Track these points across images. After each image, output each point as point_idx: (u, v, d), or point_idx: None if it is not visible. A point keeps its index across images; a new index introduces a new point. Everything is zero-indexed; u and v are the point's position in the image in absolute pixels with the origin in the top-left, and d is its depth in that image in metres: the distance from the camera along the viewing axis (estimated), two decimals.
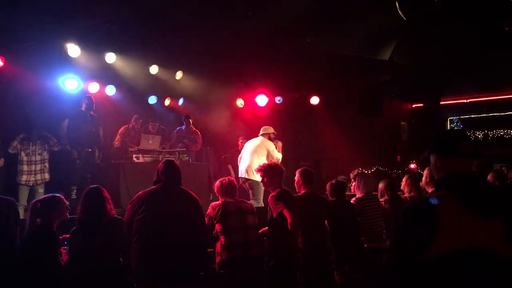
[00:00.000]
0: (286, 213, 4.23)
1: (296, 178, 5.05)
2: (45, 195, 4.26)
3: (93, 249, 3.85)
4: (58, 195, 4.20)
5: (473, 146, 2.05)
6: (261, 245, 4.58)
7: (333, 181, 5.40)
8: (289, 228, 4.20)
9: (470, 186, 1.94)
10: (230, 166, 9.65)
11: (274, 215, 4.35)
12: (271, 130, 8.07)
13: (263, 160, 7.27)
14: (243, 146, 9.57)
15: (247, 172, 7.54)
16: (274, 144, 7.90)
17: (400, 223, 2.01)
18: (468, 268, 1.81)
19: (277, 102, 11.15)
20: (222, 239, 4.36)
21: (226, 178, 4.67)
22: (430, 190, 4.58)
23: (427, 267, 1.84)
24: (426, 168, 4.69)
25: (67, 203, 4.20)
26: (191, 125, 9.39)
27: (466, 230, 1.84)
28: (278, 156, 7.77)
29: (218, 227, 4.38)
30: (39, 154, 7.21)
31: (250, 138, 9.93)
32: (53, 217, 3.99)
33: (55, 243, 3.93)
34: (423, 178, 4.73)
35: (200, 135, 9.42)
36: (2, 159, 7.13)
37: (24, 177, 7.10)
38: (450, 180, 1.98)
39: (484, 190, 1.97)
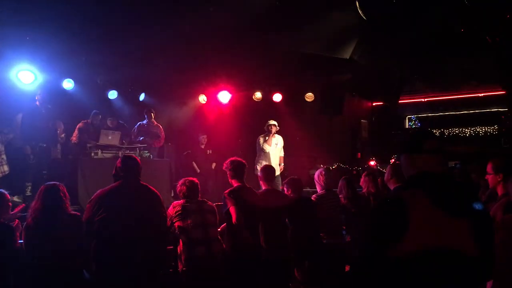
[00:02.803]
0: (232, 211, 4.35)
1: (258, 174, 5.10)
2: None
3: (48, 246, 3.78)
4: (2, 190, 4.08)
5: (438, 144, 2.09)
6: (222, 242, 4.58)
7: (290, 178, 5.44)
8: (234, 224, 4.32)
9: (438, 184, 1.98)
10: (194, 163, 9.59)
11: (224, 212, 4.48)
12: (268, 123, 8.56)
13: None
14: (205, 142, 9.61)
15: None
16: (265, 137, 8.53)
17: (371, 219, 2.03)
18: (433, 266, 1.84)
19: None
20: (183, 237, 4.34)
21: (188, 179, 4.63)
22: (392, 187, 4.70)
23: (395, 263, 1.86)
24: (389, 165, 4.80)
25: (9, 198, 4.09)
26: (153, 119, 9.23)
27: (435, 228, 1.87)
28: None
29: (177, 225, 4.35)
30: None
31: (211, 134, 9.96)
32: None
33: (11, 233, 3.86)
34: (386, 175, 4.84)
35: (162, 129, 9.27)
36: None
37: None
38: (419, 178, 2.01)
39: (452, 188, 2.01)
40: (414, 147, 2.10)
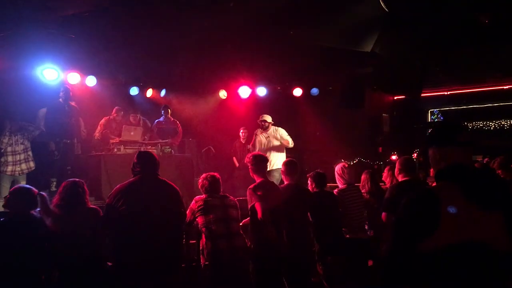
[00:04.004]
0: (257, 207, 4.34)
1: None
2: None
3: (67, 239, 3.89)
4: (30, 186, 4.21)
5: (469, 136, 2.05)
6: (244, 236, 4.59)
7: (315, 172, 5.41)
8: (259, 220, 4.32)
9: (470, 177, 1.94)
10: (234, 158, 9.64)
11: (249, 207, 4.46)
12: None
13: None
14: (245, 136, 9.56)
15: None
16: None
17: (401, 214, 1.99)
18: (465, 261, 1.81)
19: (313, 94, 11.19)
20: (205, 232, 4.36)
21: (210, 174, 4.65)
22: (401, 179, 4.68)
23: (426, 258, 1.84)
24: (398, 160, 4.77)
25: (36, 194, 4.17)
26: (169, 115, 9.25)
27: (467, 222, 1.83)
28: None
29: (200, 220, 4.37)
30: (21, 144, 7.24)
31: (230, 130, 9.93)
32: None
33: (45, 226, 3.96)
34: (396, 168, 4.80)
35: (179, 125, 9.28)
36: None
37: (10, 168, 7.14)
38: (450, 171, 1.98)
39: (484, 181, 1.97)
40: (446, 139, 2.06)
